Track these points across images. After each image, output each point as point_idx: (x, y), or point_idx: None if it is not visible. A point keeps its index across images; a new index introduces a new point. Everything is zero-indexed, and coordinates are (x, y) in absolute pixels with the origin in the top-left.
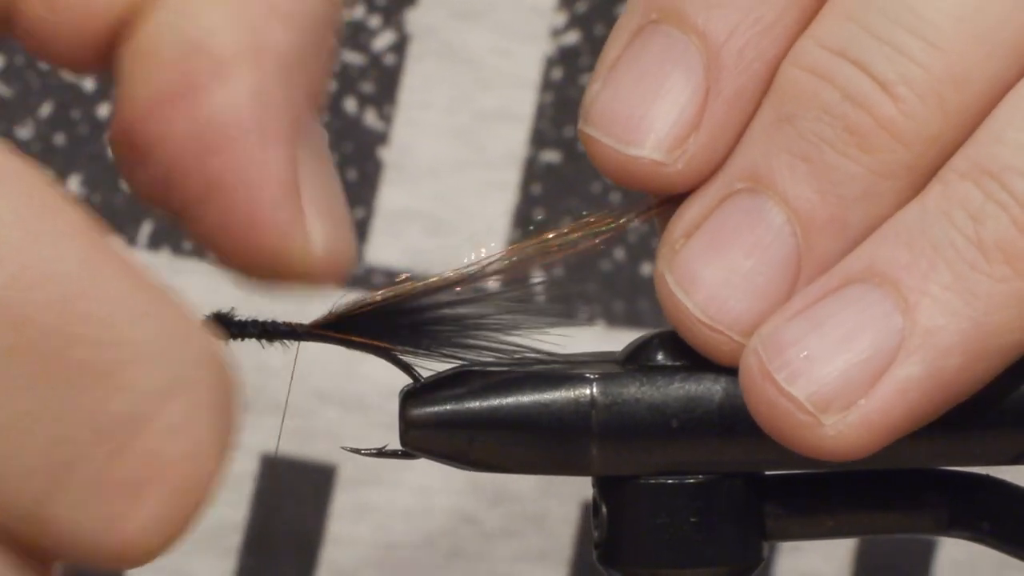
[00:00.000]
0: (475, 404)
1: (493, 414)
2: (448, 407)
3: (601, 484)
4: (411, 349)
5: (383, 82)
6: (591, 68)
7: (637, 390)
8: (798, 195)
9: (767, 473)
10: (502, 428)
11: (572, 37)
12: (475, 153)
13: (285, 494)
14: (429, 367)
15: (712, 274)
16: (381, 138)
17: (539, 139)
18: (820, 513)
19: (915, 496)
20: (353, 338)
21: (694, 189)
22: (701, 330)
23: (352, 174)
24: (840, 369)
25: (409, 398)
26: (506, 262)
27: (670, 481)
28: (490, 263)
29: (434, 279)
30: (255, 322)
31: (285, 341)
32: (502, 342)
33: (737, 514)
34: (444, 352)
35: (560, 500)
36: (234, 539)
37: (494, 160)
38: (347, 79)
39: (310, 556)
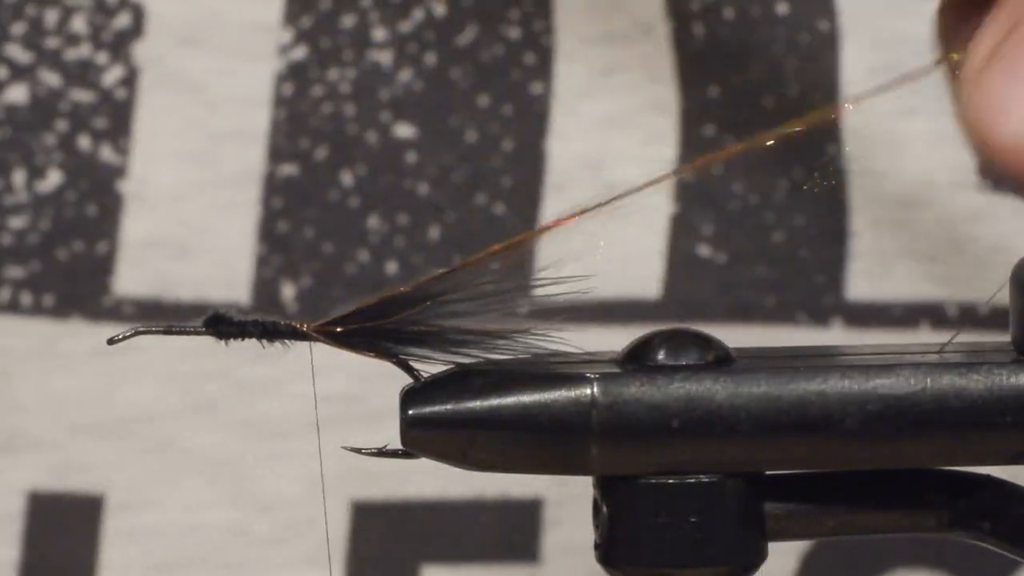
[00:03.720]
0: (475, 404)
1: (493, 414)
2: (448, 407)
3: (601, 484)
4: (412, 349)
5: (116, 116)
6: (321, 80)
7: (637, 390)
8: None
9: (767, 473)
10: (502, 428)
11: (300, 52)
12: (213, 174)
13: (54, 528)
14: (429, 367)
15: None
16: (119, 171)
17: (276, 154)
18: (820, 513)
19: (915, 496)
20: (354, 338)
21: None
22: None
23: (92, 209)
24: None
25: (409, 398)
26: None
27: (670, 481)
28: (492, 260)
29: (434, 279)
30: (256, 322)
31: (286, 341)
32: (502, 341)
33: (737, 514)
34: (444, 352)
35: (331, 501)
36: None
37: (233, 179)
38: (79, 117)
39: None
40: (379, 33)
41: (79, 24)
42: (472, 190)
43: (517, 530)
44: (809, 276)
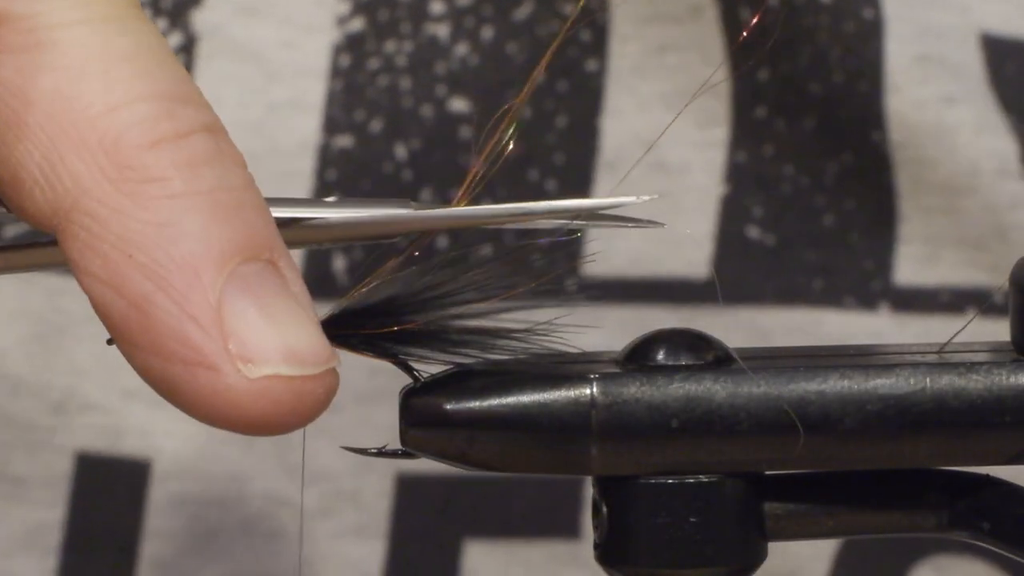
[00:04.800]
0: (475, 404)
1: (493, 414)
2: (448, 407)
3: (601, 484)
4: (412, 349)
5: None
6: (377, 53)
7: (637, 390)
8: None
9: (767, 473)
10: (502, 428)
11: (357, 24)
12: (269, 144)
13: (101, 491)
14: (429, 367)
15: None
16: None
17: (331, 125)
18: (820, 513)
19: (915, 496)
20: (354, 337)
21: None
22: None
23: None
24: None
25: (409, 398)
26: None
27: (670, 481)
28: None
29: (436, 280)
30: None
31: None
32: (502, 341)
33: (737, 514)
34: (444, 352)
35: (376, 476)
36: (53, 538)
37: (288, 150)
38: None
39: (129, 551)
40: (436, 6)
41: None
42: (525, 166)
43: (559, 506)
44: (858, 260)
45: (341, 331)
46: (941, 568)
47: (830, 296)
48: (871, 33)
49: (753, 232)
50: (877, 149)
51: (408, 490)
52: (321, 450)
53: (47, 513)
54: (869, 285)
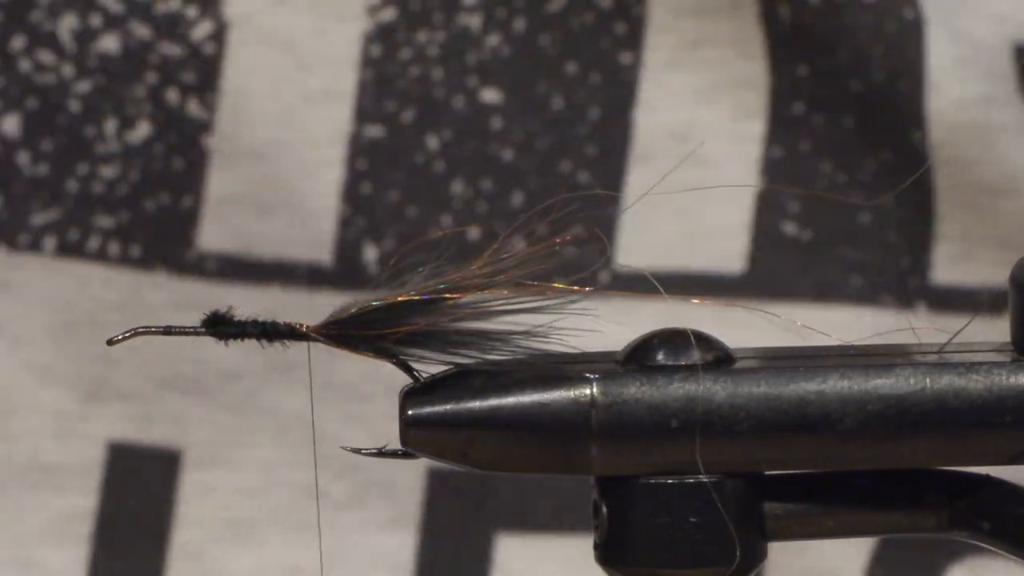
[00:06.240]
0: (475, 404)
1: (493, 414)
2: (448, 407)
3: (601, 484)
4: (412, 349)
5: (204, 71)
6: (409, 42)
7: (637, 390)
8: None
9: (767, 473)
10: (502, 428)
11: (389, 13)
12: (299, 133)
13: (133, 480)
14: (429, 367)
15: None
16: (205, 126)
17: (362, 115)
18: (820, 513)
19: (915, 496)
20: (353, 338)
21: None
22: None
23: (178, 163)
24: None
25: (409, 398)
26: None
27: (670, 481)
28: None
29: (437, 283)
30: (255, 322)
31: (285, 342)
32: (502, 341)
33: (737, 514)
34: (444, 352)
35: (409, 468)
36: (85, 527)
37: (318, 138)
38: (167, 70)
39: (161, 539)
40: None
41: None
42: (557, 157)
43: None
44: (895, 258)
45: (342, 331)
46: (975, 569)
47: (867, 293)
48: (912, 32)
49: (789, 228)
50: (917, 148)
51: (440, 482)
52: (354, 441)
53: (79, 502)
54: (906, 283)
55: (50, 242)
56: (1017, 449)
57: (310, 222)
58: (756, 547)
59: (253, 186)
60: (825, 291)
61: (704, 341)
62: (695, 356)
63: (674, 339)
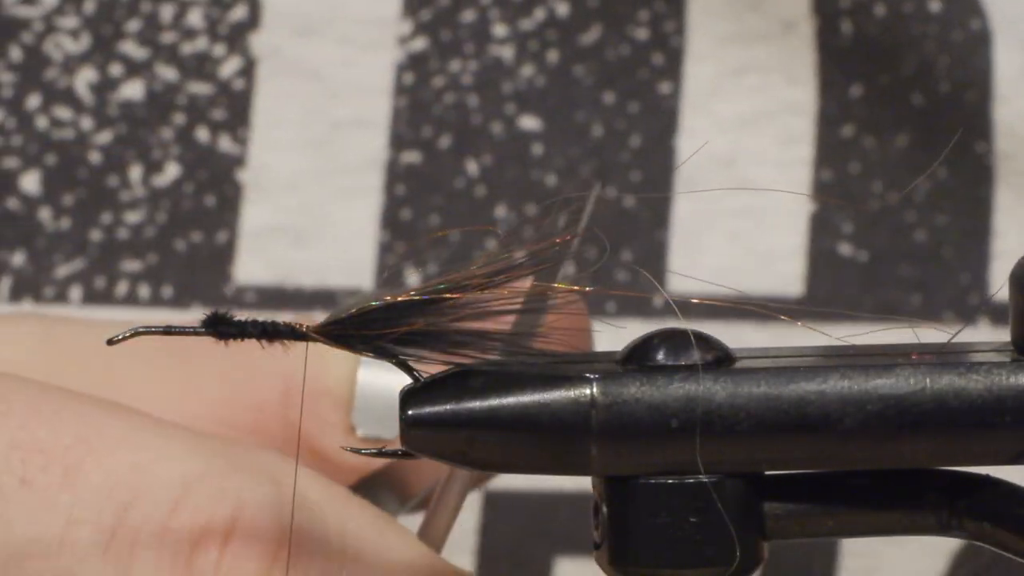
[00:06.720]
0: (475, 404)
1: (493, 414)
2: (448, 407)
3: (601, 484)
4: (412, 349)
5: (235, 107)
6: (442, 71)
7: (637, 390)
8: None
9: (767, 473)
10: (502, 428)
11: (420, 43)
12: (334, 162)
13: None
14: (429, 367)
15: None
16: (238, 161)
17: (398, 142)
18: (820, 513)
19: (915, 496)
20: (352, 338)
21: None
22: None
23: (211, 199)
24: None
25: (409, 398)
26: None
27: (670, 481)
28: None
29: (436, 283)
30: (255, 322)
31: (285, 342)
32: (502, 342)
33: (737, 514)
34: (444, 352)
35: None
36: None
37: (354, 166)
38: (196, 109)
39: None
40: (500, 29)
41: (195, 18)
42: (601, 182)
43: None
44: (954, 275)
45: (341, 331)
46: None
47: (929, 311)
48: (979, 43)
49: (845, 249)
50: (980, 161)
51: (496, 506)
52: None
53: None
54: (967, 300)
55: (76, 292)
56: (1017, 449)
57: (349, 249)
58: (756, 547)
59: (289, 216)
60: (886, 310)
61: (704, 341)
62: (695, 356)
63: (674, 339)
